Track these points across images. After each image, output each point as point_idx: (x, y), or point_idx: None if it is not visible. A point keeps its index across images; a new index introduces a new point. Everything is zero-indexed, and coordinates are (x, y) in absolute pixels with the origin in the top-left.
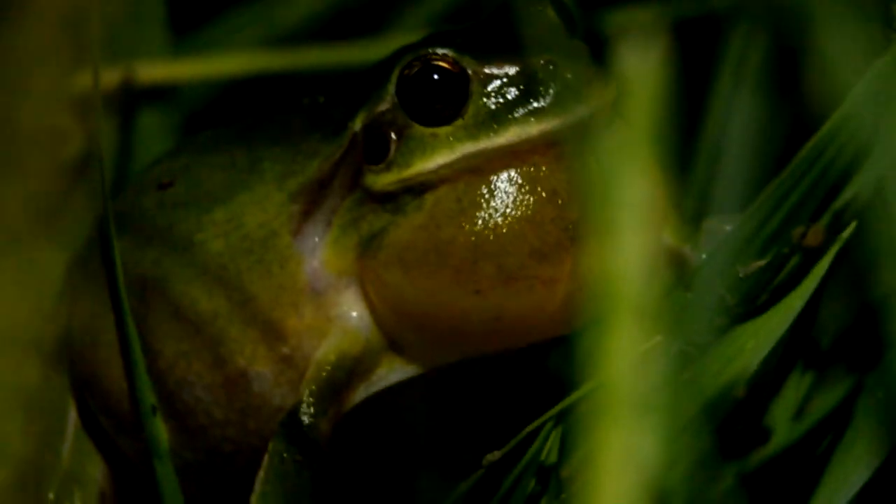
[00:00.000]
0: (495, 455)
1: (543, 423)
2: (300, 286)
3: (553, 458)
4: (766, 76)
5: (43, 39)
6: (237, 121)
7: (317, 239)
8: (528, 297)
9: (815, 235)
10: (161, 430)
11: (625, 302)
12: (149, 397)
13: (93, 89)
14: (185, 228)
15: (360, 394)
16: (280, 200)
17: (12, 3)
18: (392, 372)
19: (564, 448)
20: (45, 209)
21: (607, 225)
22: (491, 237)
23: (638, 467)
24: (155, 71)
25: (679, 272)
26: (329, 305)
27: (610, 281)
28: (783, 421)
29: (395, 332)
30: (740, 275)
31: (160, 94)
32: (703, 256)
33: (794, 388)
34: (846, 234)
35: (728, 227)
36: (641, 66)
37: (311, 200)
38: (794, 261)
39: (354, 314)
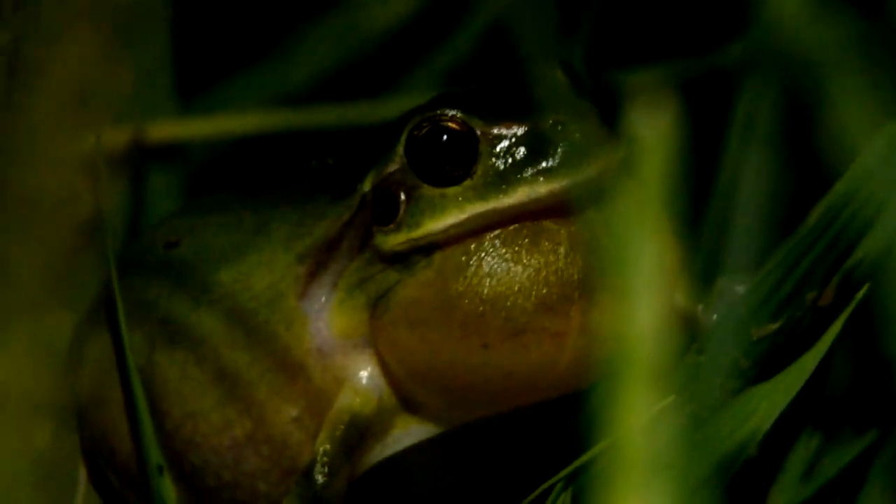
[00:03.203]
0: None
1: (556, 483)
2: (306, 347)
3: None
4: (777, 134)
5: (55, 104)
6: (244, 181)
7: (323, 300)
8: (537, 352)
9: (827, 297)
10: (168, 491)
11: (638, 363)
12: (155, 457)
13: (96, 150)
14: (192, 289)
15: (376, 455)
16: (287, 262)
17: (26, 67)
18: (407, 434)
19: None
20: (57, 272)
21: (619, 285)
22: (497, 290)
23: None
24: (164, 131)
25: (691, 333)
26: (337, 368)
27: (623, 342)
28: (794, 480)
29: (407, 392)
30: (754, 338)
31: (169, 153)
32: (716, 318)
33: (804, 448)
34: (858, 295)
35: (740, 288)
36: (652, 126)
37: (318, 262)
38: (807, 322)
39: (365, 374)
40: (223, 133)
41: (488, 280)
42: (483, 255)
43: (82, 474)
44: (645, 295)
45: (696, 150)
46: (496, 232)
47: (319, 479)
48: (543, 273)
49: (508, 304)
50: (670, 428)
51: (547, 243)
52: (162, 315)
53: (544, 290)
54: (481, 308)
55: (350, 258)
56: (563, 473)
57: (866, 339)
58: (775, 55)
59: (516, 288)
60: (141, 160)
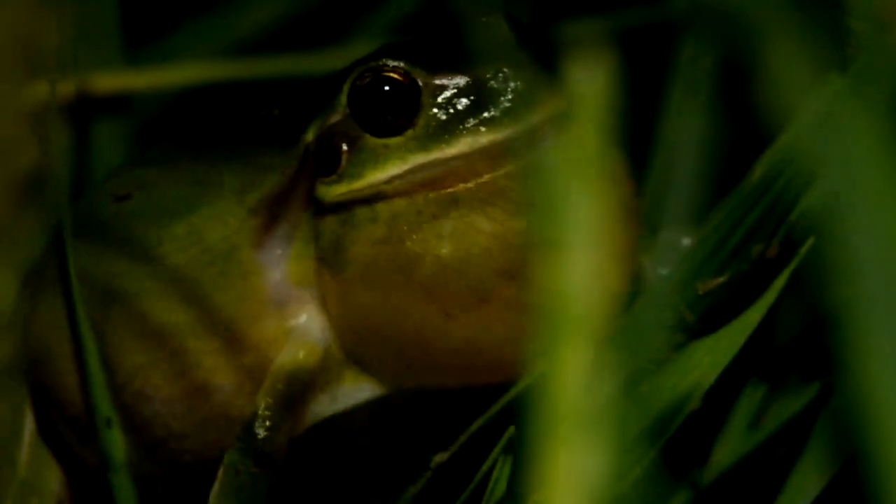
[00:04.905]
0: (443, 456)
1: (497, 440)
2: (263, 298)
3: (507, 473)
4: (717, 88)
5: None
6: (192, 132)
7: (280, 251)
8: (501, 322)
9: (772, 250)
10: (118, 442)
11: (575, 318)
12: (105, 409)
13: (48, 100)
14: (145, 241)
15: (319, 412)
16: (240, 215)
17: None
18: (353, 392)
19: (519, 464)
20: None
21: (556, 240)
22: (457, 254)
23: (588, 482)
24: (109, 82)
25: (636, 285)
26: (290, 316)
27: (563, 296)
28: (739, 433)
29: (357, 349)
30: (699, 291)
31: (115, 104)
32: (661, 271)
33: (749, 401)
34: (802, 249)
35: (685, 240)
36: (590, 76)
37: (271, 214)
38: (752, 276)
39: (314, 325)
40: (170, 84)
41: (447, 242)
42: (437, 213)
43: (29, 426)
44: (584, 248)
45: (637, 101)
46: (447, 189)
47: (260, 432)
48: (500, 236)
49: (470, 270)
50: (611, 382)
51: (500, 203)
52: (113, 268)
53: (504, 255)
54: (442, 273)
55: (302, 209)
56: (506, 434)
57: (811, 295)
58: (715, 10)
59: (476, 252)
60: (87, 112)
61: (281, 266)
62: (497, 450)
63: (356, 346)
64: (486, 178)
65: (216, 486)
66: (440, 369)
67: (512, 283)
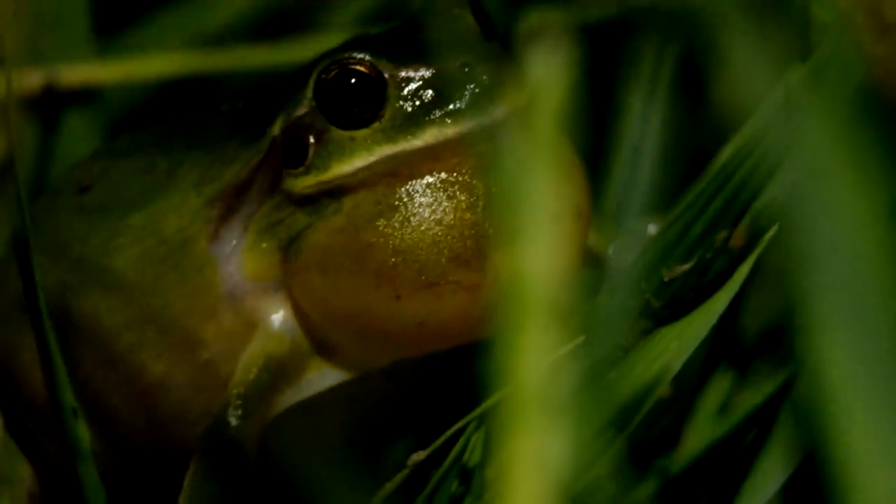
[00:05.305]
0: (420, 455)
1: (466, 425)
2: (217, 292)
3: (476, 458)
4: (676, 81)
5: None
6: (159, 124)
7: (234, 244)
8: (451, 303)
9: (737, 238)
10: (83, 433)
11: (537, 305)
12: (69, 401)
13: (8, 92)
14: (103, 234)
15: (290, 398)
16: (197, 206)
17: None
18: (320, 377)
19: (487, 449)
20: None
21: (517, 228)
22: (410, 241)
23: (551, 469)
24: (78, 73)
25: (600, 273)
26: (249, 311)
27: (521, 284)
28: (707, 419)
29: (321, 336)
30: (665, 278)
31: (83, 96)
32: (625, 259)
33: (718, 388)
34: (766, 236)
35: (650, 228)
36: (548, 68)
37: (229, 206)
38: (717, 264)
39: (277, 318)
40: (139, 76)
41: (401, 230)
42: (395, 203)
43: None
44: (543, 237)
45: (597, 93)
46: (409, 180)
47: (233, 421)
48: (457, 224)
49: (422, 256)
50: (574, 369)
51: (458, 191)
52: (75, 260)
53: (457, 242)
54: (393, 259)
55: (260, 202)
56: (473, 415)
57: (776, 282)
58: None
59: (429, 239)
60: (55, 103)
61: (234, 259)
62: (470, 428)
63: (319, 332)
64: (447, 168)
65: (189, 476)
66: (396, 346)
67: (463, 267)
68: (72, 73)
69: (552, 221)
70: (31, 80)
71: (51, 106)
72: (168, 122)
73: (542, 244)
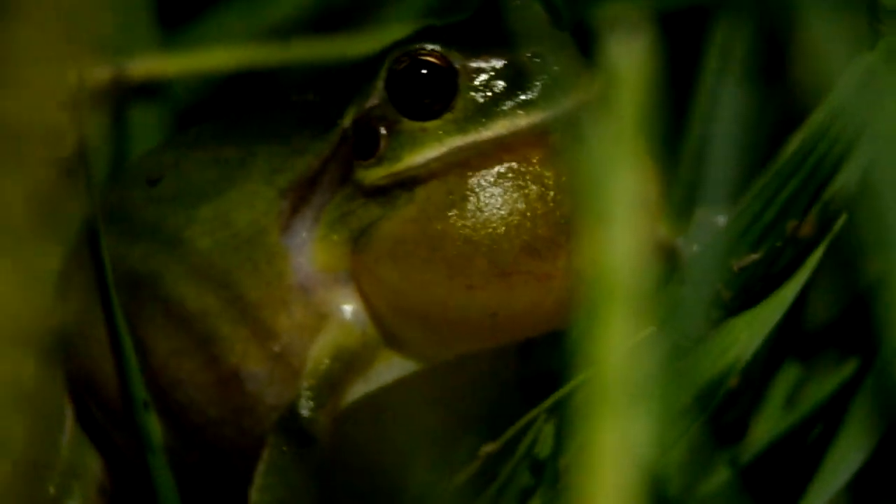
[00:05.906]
0: (491, 447)
1: (538, 415)
2: (288, 283)
3: (547, 449)
4: (753, 67)
5: (36, 38)
6: (226, 116)
7: (304, 235)
8: (523, 293)
9: (806, 227)
10: (154, 426)
11: (617, 293)
12: (140, 393)
13: (80, 85)
14: (174, 225)
15: (360, 389)
16: (269, 197)
17: (5, 2)
18: (390, 368)
19: (559, 439)
20: (42, 206)
21: (598, 218)
22: (483, 231)
23: (631, 457)
24: (145, 67)
25: (671, 264)
26: (319, 302)
27: (602, 273)
28: (776, 410)
29: (391, 327)
30: (734, 269)
31: (151, 89)
32: (696, 249)
33: (786, 379)
34: (837, 225)
35: (720, 219)
36: (628, 58)
37: (300, 197)
38: (787, 253)
39: (348, 309)
40: (205, 69)
41: (473, 220)
42: (466, 192)
43: (70, 411)
44: (624, 227)
45: (673, 82)
46: (481, 171)
47: (305, 413)
48: (529, 214)
49: (494, 246)
50: (651, 358)
51: (530, 181)
52: (145, 252)
53: (530, 231)
54: (466, 250)
55: (332, 193)
56: (545, 405)
57: (846, 270)
58: None
59: (501, 228)
60: (124, 96)
61: (305, 250)
62: (542, 419)
63: (389, 324)
64: (518, 159)
65: (261, 467)
66: (466, 337)
67: (535, 258)
68: (139, 67)
69: (632, 210)
70: (100, 74)
71: (119, 99)
72: (236, 114)
73: (623, 232)
